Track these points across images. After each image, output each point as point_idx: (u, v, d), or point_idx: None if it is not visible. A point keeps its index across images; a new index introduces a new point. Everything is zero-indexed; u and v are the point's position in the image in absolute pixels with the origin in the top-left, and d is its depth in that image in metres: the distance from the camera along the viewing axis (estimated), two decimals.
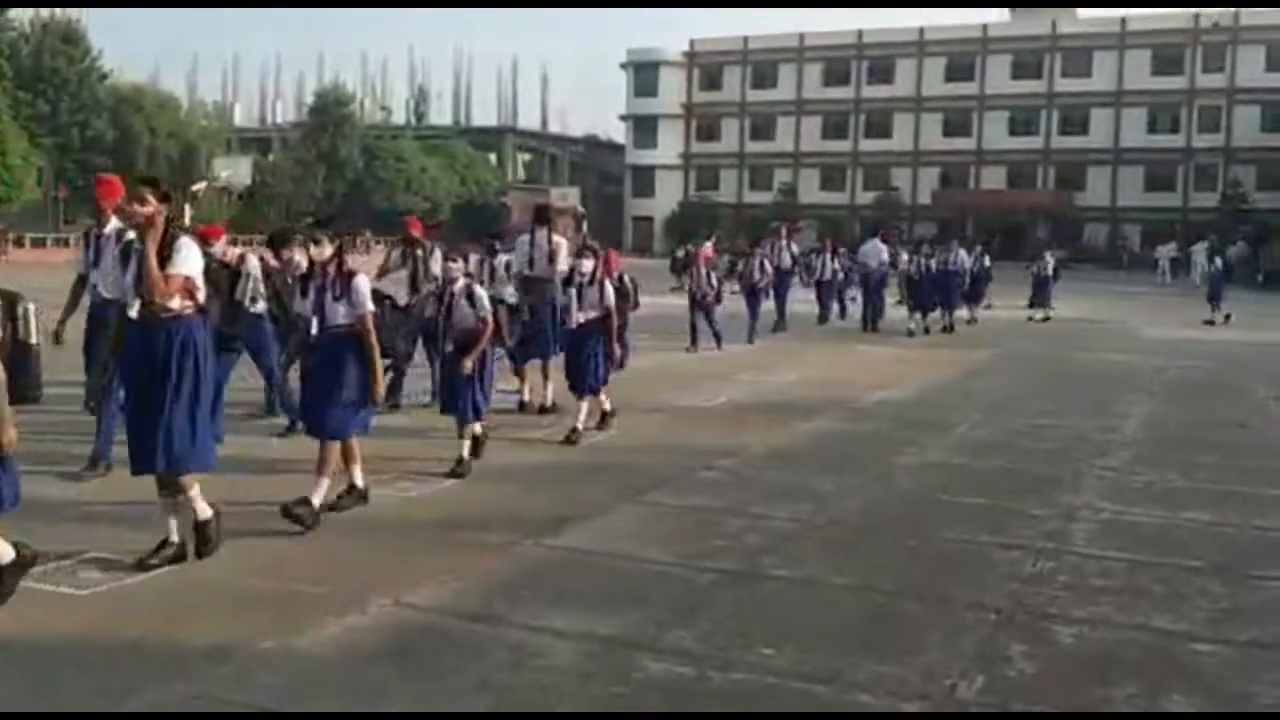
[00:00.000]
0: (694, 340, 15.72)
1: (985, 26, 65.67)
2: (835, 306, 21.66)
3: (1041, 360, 15.81)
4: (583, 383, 8.91)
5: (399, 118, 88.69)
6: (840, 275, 21.77)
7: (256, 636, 4.38)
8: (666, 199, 70.86)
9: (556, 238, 10.07)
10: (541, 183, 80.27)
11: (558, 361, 9.74)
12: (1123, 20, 62.57)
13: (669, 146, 72.59)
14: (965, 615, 4.87)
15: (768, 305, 18.14)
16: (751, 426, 9.56)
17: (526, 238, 10.11)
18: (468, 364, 7.49)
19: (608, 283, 8.97)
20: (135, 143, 54.96)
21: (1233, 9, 60.03)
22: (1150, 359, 16.06)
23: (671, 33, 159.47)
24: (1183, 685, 4.09)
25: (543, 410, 9.84)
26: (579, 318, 8.87)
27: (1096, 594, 5.18)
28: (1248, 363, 15.95)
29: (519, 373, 10.16)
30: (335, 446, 6.17)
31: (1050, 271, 24.40)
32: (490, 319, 7.70)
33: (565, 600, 4.93)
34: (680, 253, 30.34)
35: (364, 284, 6.25)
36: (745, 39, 70.97)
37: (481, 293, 7.83)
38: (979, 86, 65.27)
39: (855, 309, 21.28)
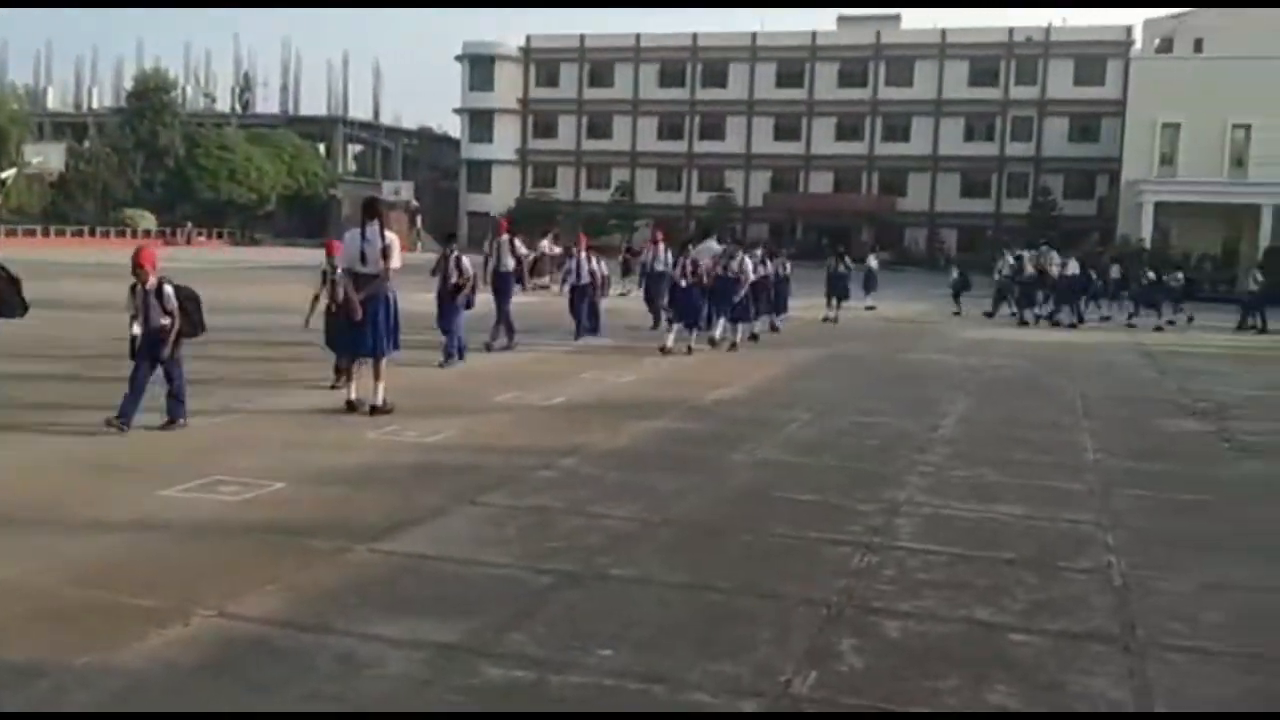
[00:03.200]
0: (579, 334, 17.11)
1: (814, 34, 67.54)
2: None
3: (867, 360, 16.33)
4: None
5: (223, 105, 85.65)
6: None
7: (73, 651, 4.15)
8: (503, 195, 70.48)
9: (389, 233, 9.83)
10: (373, 175, 78.72)
11: (395, 358, 9.56)
12: (943, 32, 65.35)
13: (505, 142, 72.23)
14: (797, 611, 4.97)
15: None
16: (591, 426, 9.57)
17: (356, 232, 9.83)
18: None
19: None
20: None
21: (1044, 25, 63.35)
22: (967, 359, 16.78)
23: (508, 29, 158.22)
24: (1003, 675, 4.27)
25: (374, 411, 9.61)
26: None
27: (921, 587, 5.37)
28: (1055, 362, 16.83)
29: (346, 371, 9.91)
30: None
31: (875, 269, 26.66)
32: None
33: (398, 607, 4.82)
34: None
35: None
36: (582, 37, 71.22)
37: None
38: (808, 93, 67.16)
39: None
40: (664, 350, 15.41)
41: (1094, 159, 60.21)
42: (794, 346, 17.64)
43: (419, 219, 62.17)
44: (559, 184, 71.66)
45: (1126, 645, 4.68)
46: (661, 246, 20.76)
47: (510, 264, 15.83)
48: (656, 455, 8.50)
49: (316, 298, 10.76)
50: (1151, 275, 26.82)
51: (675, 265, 16.78)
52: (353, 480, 7.21)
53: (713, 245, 22.35)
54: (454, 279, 13.33)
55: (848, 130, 66.97)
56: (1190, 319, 27.15)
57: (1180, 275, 28.38)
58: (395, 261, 9.81)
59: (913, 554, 5.95)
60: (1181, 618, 5.06)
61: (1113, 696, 4.13)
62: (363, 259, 9.70)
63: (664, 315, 17.62)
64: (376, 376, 9.76)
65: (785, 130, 67.96)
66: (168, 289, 8.55)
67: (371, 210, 9.88)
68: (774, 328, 20.13)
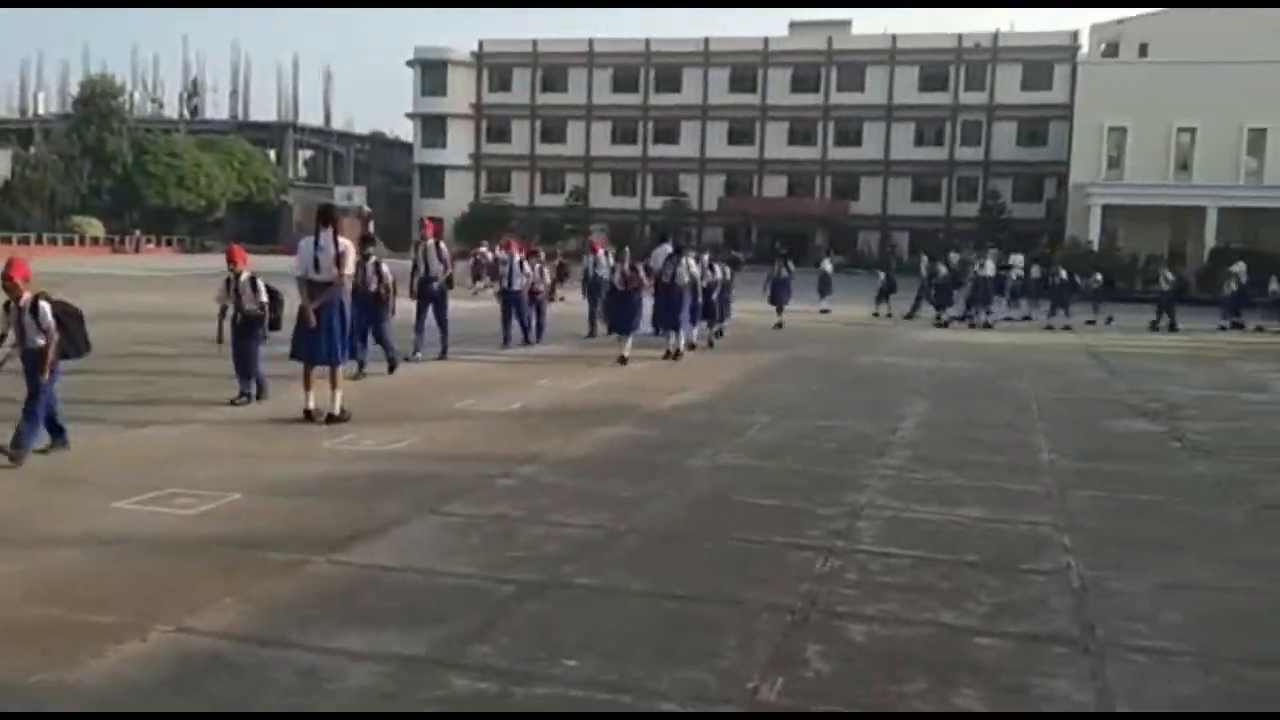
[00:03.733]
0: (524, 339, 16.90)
1: (766, 40, 67.89)
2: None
3: (823, 364, 16.41)
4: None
5: (172, 111, 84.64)
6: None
7: (26, 671, 4.06)
8: (457, 200, 70.20)
9: (342, 240, 9.74)
10: (325, 181, 78.08)
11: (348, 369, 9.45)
12: (893, 38, 65.95)
13: (459, 147, 71.92)
14: (762, 617, 4.96)
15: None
16: (549, 433, 9.52)
17: (310, 239, 9.72)
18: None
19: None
20: None
21: (992, 31, 64.15)
22: (922, 361, 16.92)
23: (460, 33, 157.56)
24: (968, 679, 4.29)
25: (330, 420, 9.52)
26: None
27: (884, 591, 5.39)
28: (1008, 364, 17.00)
29: (305, 380, 9.80)
30: None
31: (829, 271, 27.09)
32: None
33: (360, 619, 4.76)
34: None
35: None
36: (534, 42, 71.11)
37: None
38: (761, 97, 67.49)
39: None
40: (622, 360, 14.81)
41: (1042, 162, 60.99)
42: (750, 350, 17.69)
43: (372, 225, 61.71)
44: (513, 189, 71.46)
45: (1087, 647, 4.72)
46: (602, 252, 20.32)
47: (438, 269, 14.74)
48: (616, 462, 8.47)
49: (224, 310, 10.51)
50: (1064, 275, 27.21)
51: (613, 270, 16.24)
52: (310, 491, 7.12)
53: (668, 249, 22.44)
54: (373, 286, 12.63)
55: (800, 135, 67.37)
56: (1110, 319, 27.64)
57: (1099, 276, 29.02)
58: (349, 268, 9.72)
59: (875, 557, 5.97)
60: (1140, 618, 5.11)
61: (1076, 698, 4.17)
62: (316, 266, 9.60)
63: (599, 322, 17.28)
64: (332, 385, 9.66)
65: (739, 135, 68.24)
66: (44, 305, 7.74)
67: (326, 217, 9.78)
68: (719, 334, 19.09)
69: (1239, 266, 29.81)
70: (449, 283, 15.05)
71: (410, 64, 72.60)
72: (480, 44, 72.26)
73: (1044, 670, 4.41)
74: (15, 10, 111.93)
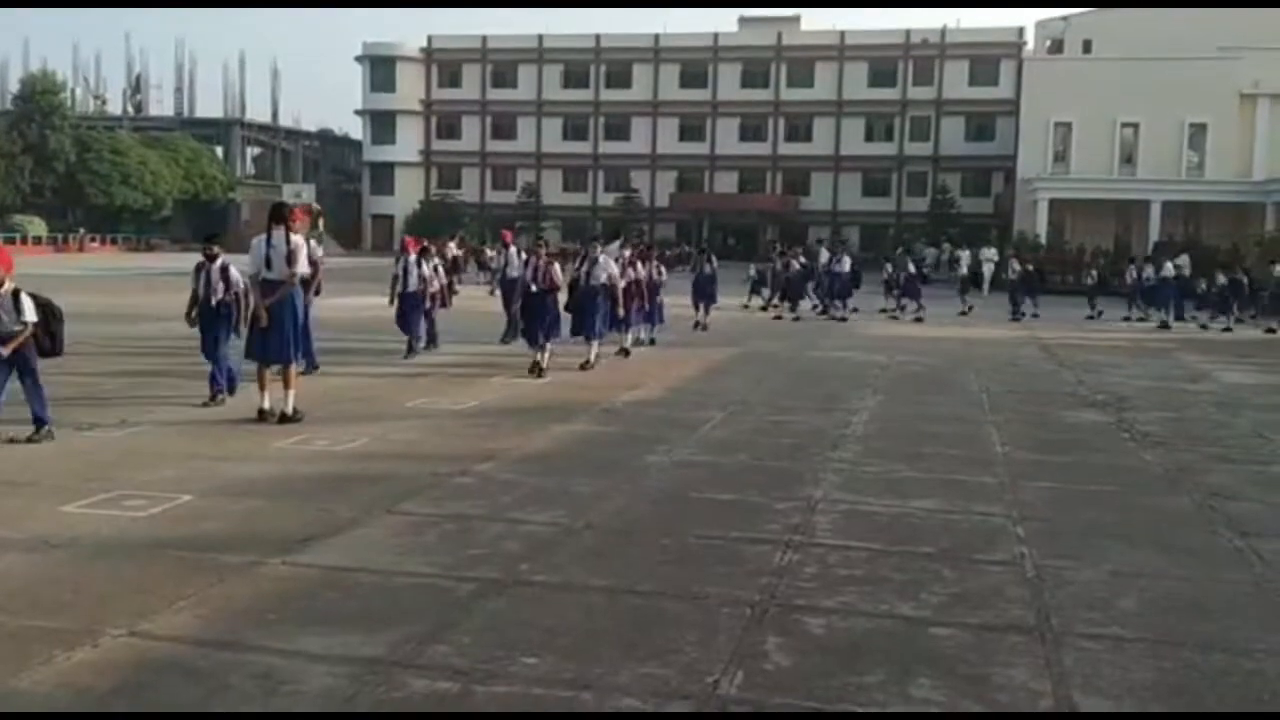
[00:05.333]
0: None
1: (716, 36, 68.00)
2: None
3: (777, 359, 16.47)
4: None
5: (115, 108, 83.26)
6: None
7: None
8: (407, 197, 69.67)
9: (295, 238, 9.64)
10: (273, 178, 77.20)
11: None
12: (842, 34, 66.28)
13: (408, 143, 71.37)
14: (721, 611, 4.97)
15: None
16: (505, 431, 9.49)
17: (262, 238, 9.62)
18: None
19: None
20: None
21: (940, 27, 64.75)
22: (874, 355, 17.04)
23: (406, 29, 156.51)
24: (927, 670, 4.32)
25: (283, 419, 9.42)
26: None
27: (842, 584, 5.42)
28: (959, 357, 17.17)
29: (259, 379, 9.68)
30: None
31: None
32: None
33: (317, 621, 4.71)
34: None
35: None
36: (484, 38, 70.72)
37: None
38: (711, 93, 67.59)
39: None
40: (537, 371, 13.19)
41: (990, 157, 61.62)
42: (703, 346, 17.73)
43: (321, 222, 61.10)
44: (464, 186, 71.01)
45: (1043, 635, 4.78)
46: (514, 250, 17.40)
47: (305, 269, 11.68)
48: (573, 459, 8.46)
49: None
50: (912, 268, 27.50)
51: (526, 268, 13.95)
52: (264, 492, 7.04)
53: (614, 247, 22.44)
54: (218, 294, 10.40)
55: (751, 131, 67.53)
56: (970, 308, 27.98)
57: (912, 268, 29.64)
58: (301, 266, 9.63)
59: (832, 550, 6.01)
60: (1094, 606, 5.19)
61: (1034, 686, 4.21)
62: (268, 264, 9.51)
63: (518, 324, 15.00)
64: (286, 384, 9.56)
65: (690, 131, 68.30)
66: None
67: (278, 215, 9.69)
68: (650, 340, 17.56)
69: (1184, 259, 30.25)
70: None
71: (358, 60, 71.94)
72: (429, 39, 71.72)
73: (1001, 660, 4.46)
74: None
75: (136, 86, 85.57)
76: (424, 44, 71.68)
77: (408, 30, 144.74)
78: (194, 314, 10.59)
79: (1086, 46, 51.35)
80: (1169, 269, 27.66)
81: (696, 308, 21.26)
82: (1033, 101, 48.15)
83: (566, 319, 14.38)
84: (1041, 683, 4.26)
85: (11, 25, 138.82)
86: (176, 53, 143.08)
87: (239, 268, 10.48)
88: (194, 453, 8.19)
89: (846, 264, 26.29)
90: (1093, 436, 10.25)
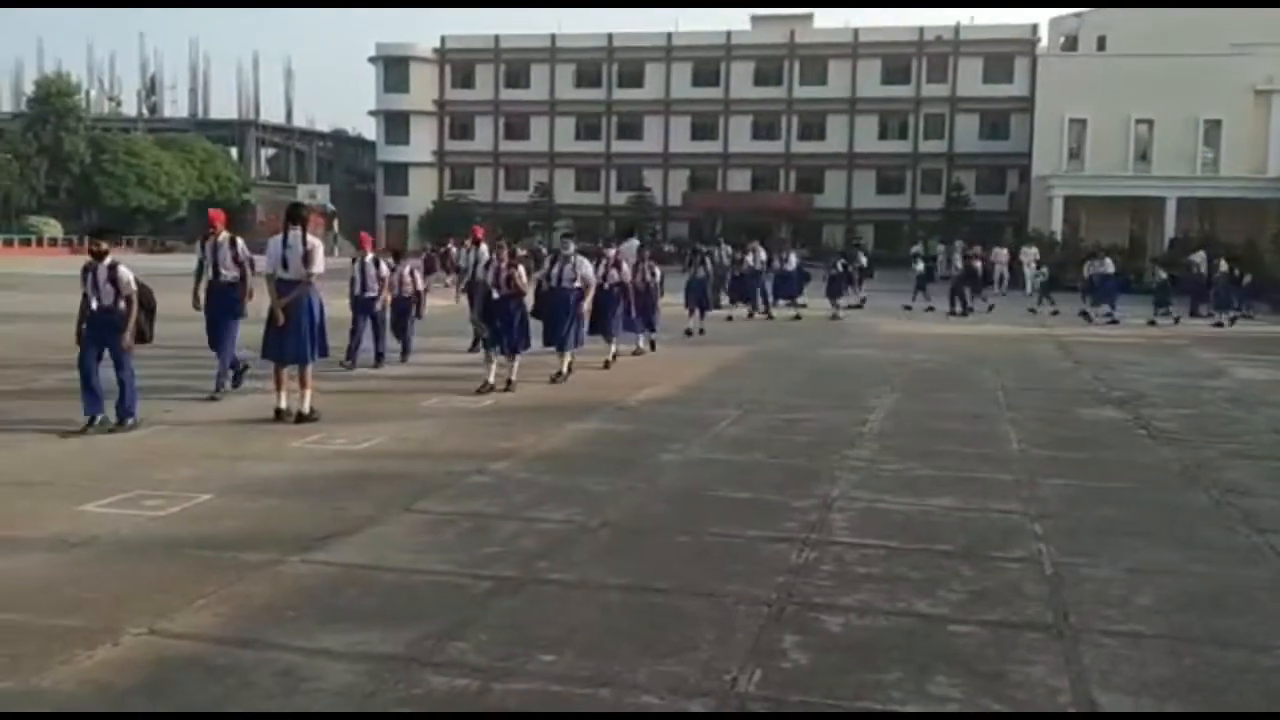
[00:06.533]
0: None
1: (729, 34, 67.92)
2: None
3: (791, 357, 16.46)
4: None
5: (130, 109, 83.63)
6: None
7: None
8: (421, 197, 69.78)
9: (311, 238, 9.69)
10: (288, 179, 77.44)
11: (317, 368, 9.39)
12: (855, 32, 66.11)
13: (422, 144, 71.47)
14: (738, 609, 4.98)
15: None
16: (520, 429, 9.51)
17: (278, 238, 9.67)
18: None
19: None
20: None
21: (954, 24, 64.56)
22: (889, 353, 17.01)
23: (421, 30, 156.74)
24: (945, 667, 4.32)
25: (300, 419, 9.46)
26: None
27: (860, 581, 5.41)
28: (974, 355, 17.13)
29: (275, 378, 9.73)
30: None
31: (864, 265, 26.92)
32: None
33: (336, 619, 4.73)
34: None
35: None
36: (497, 38, 70.74)
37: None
38: (724, 92, 67.50)
39: None
40: (498, 387, 11.83)
41: (1004, 154, 61.40)
42: (717, 345, 17.72)
43: (335, 223, 61.29)
44: (477, 185, 71.10)
45: (1061, 632, 4.77)
46: (484, 248, 15.27)
47: (234, 273, 10.94)
48: (588, 457, 8.47)
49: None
50: (840, 266, 27.21)
51: (487, 270, 12.21)
52: (281, 490, 7.07)
53: (634, 244, 22.43)
54: (105, 300, 9.04)
55: (764, 129, 67.42)
56: (863, 301, 28.00)
57: (864, 260, 30.17)
58: (318, 267, 9.68)
59: (850, 549, 6.00)
60: (1112, 603, 5.17)
61: (1052, 683, 4.21)
62: (284, 265, 9.56)
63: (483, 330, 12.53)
64: (302, 384, 9.61)
65: (702, 129, 68.20)
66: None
67: (294, 216, 9.75)
68: (650, 345, 16.22)
69: (1199, 256, 30.06)
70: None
71: (372, 60, 72.06)
72: (443, 40, 71.81)
73: (1019, 657, 4.45)
74: None
75: (151, 88, 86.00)
76: (437, 45, 71.79)
77: (421, 31, 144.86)
78: (83, 326, 9.04)
79: (1101, 43, 51.17)
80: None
81: (691, 313, 19.71)
82: (1047, 98, 47.97)
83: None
84: (1060, 679, 4.25)
85: (26, 27, 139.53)
86: (191, 54, 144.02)
87: (126, 267, 9.16)
88: (211, 452, 8.23)
89: (793, 261, 26.19)
90: (1109, 433, 10.21)
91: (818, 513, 6.79)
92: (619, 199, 67.97)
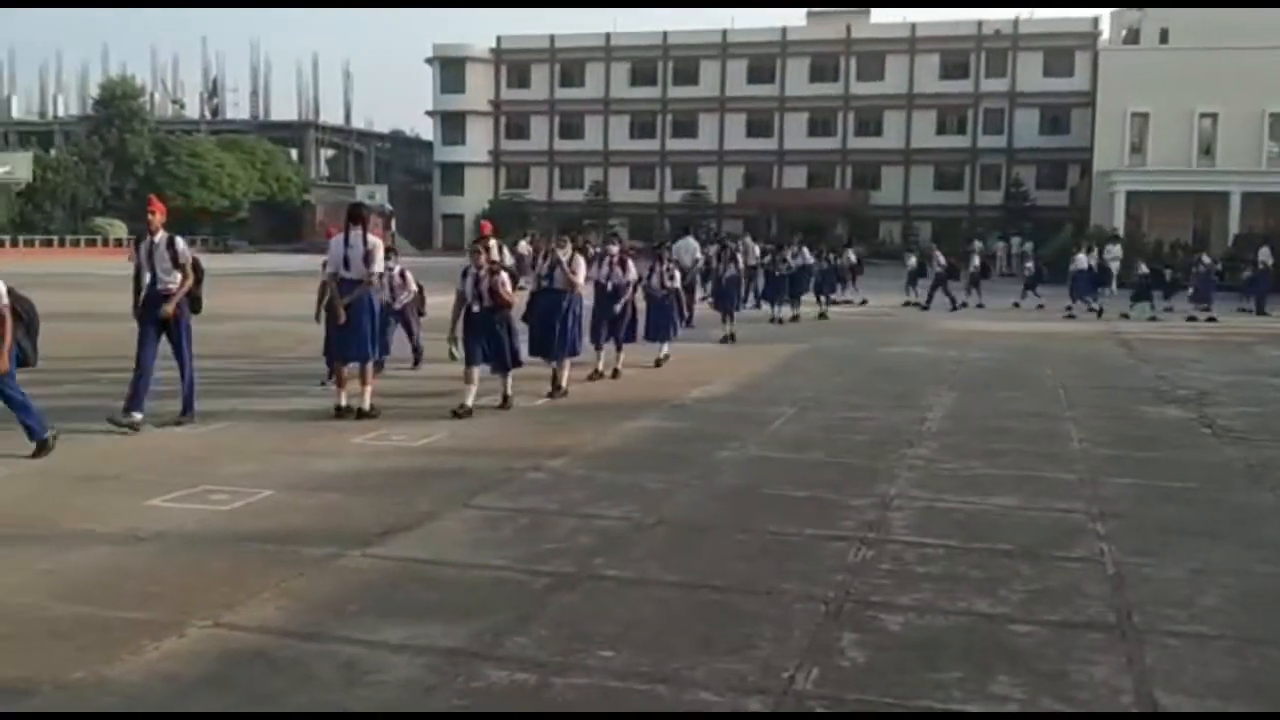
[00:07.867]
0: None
1: (784, 30, 67.63)
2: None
3: (848, 354, 16.37)
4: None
5: (192, 112, 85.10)
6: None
7: (65, 668, 4.10)
8: (477, 197, 70.27)
9: (371, 238, 9.82)
10: (346, 180, 78.36)
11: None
12: (912, 26, 65.53)
13: (478, 144, 72.01)
14: (795, 607, 4.97)
15: None
16: (576, 426, 9.55)
17: (340, 238, 9.81)
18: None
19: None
20: None
21: (1013, 18, 63.74)
22: (947, 351, 16.85)
23: (476, 30, 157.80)
24: (1006, 666, 4.28)
25: (360, 415, 9.58)
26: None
27: (919, 580, 5.38)
28: (1033, 352, 16.92)
29: (336, 377, 9.86)
30: None
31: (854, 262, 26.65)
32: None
33: (397, 613, 4.79)
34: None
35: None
36: (552, 38, 71.07)
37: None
38: (779, 88, 67.23)
39: None
40: (554, 394, 11.29)
41: (1065, 149, 60.51)
42: (772, 342, 17.67)
43: (394, 223, 61.94)
44: (532, 185, 71.50)
45: (1124, 632, 4.71)
46: (494, 243, 11.96)
47: (380, 269, 10.27)
48: (644, 454, 8.49)
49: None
50: (828, 260, 26.67)
51: (465, 280, 10.31)
52: (342, 486, 7.17)
53: (691, 243, 22.44)
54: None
55: (820, 125, 67.06)
56: (864, 301, 27.73)
57: (853, 255, 29.98)
58: (378, 266, 9.80)
59: (908, 547, 5.97)
60: (1176, 604, 5.09)
61: (1114, 684, 4.15)
62: (346, 264, 9.70)
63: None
64: (363, 381, 9.74)
65: (758, 126, 68.01)
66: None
67: (355, 216, 9.90)
68: (664, 356, 14.47)
69: (1264, 252, 29.41)
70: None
71: (429, 61, 72.72)
72: (498, 40, 72.30)
73: (1081, 657, 4.40)
74: (33, 11, 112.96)
75: (213, 90, 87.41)
76: (493, 45, 72.27)
77: (477, 32, 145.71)
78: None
79: (1163, 36, 50.22)
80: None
81: (723, 319, 18.04)
82: (1109, 92, 47.20)
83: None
84: (1122, 680, 4.19)
85: (91, 31, 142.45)
86: (252, 56, 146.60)
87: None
88: (274, 448, 8.37)
89: (851, 257, 26.21)
90: (1173, 432, 10.04)
91: (876, 511, 6.75)
92: (674, 197, 67.98)
